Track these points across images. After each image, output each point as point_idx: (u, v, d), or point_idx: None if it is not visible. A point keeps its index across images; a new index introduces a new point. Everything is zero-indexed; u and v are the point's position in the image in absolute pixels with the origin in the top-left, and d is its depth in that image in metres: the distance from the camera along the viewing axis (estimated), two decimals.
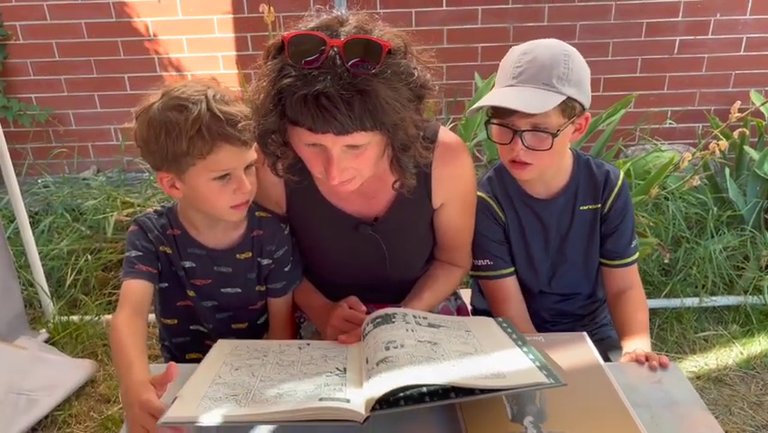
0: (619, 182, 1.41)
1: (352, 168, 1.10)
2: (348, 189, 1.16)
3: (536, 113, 1.20)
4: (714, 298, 2.53)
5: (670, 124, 3.39)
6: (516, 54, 1.26)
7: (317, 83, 0.96)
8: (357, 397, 0.94)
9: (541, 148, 1.24)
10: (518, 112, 1.20)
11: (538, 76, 1.21)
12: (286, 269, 1.37)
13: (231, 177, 1.20)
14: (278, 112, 1.03)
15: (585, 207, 1.41)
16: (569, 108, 1.23)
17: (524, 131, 1.24)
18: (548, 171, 1.35)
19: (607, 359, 1.36)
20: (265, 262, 1.35)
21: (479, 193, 1.41)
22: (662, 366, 1.16)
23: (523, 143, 1.25)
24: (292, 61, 0.99)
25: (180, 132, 1.13)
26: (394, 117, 1.02)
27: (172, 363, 0.97)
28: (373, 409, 0.90)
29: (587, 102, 1.27)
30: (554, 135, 1.23)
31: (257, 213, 1.34)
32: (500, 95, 1.24)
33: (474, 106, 1.29)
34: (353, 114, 0.98)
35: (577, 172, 1.40)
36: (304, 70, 0.98)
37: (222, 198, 1.21)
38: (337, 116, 0.98)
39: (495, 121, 1.28)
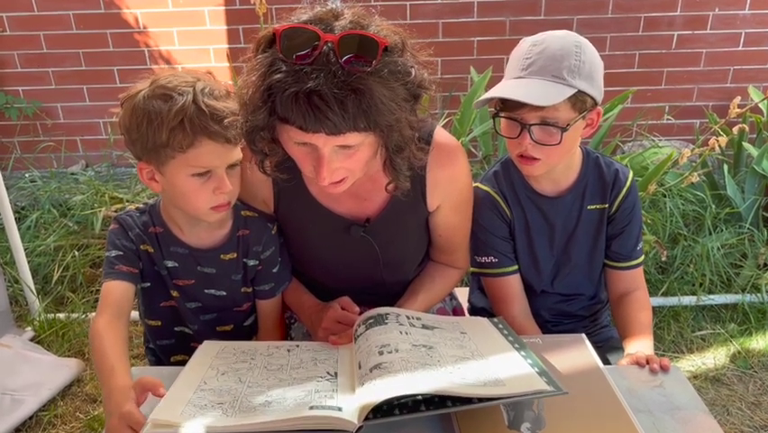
0: (628, 182, 1.37)
1: (344, 168, 1.05)
2: (338, 191, 1.12)
3: (545, 105, 1.16)
4: (711, 296, 2.51)
5: (668, 119, 3.36)
6: (527, 45, 1.22)
7: (309, 80, 0.92)
8: (349, 404, 0.90)
9: (550, 143, 1.21)
10: (527, 105, 1.16)
11: (548, 67, 1.17)
12: (274, 270, 1.33)
13: (211, 175, 1.15)
14: (268, 108, 0.98)
15: (593, 207, 1.37)
16: (579, 102, 1.20)
17: (532, 125, 1.20)
18: (557, 168, 1.31)
19: (606, 361, 1.33)
20: (251, 263, 1.30)
21: (484, 188, 1.38)
22: (663, 369, 1.13)
23: (531, 138, 1.21)
24: (283, 56, 0.94)
25: (162, 122, 1.09)
26: (389, 118, 0.98)
27: (162, 386, 0.93)
28: (366, 417, 0.86)
29: (599, 96, 1.23)
30: (564, 130, 1.19)
31: (243, 212, 1.29)
32: (508, 87, 1.21)
33: (481, 98, 1.25)
34: (347, 114, 0.94)
35: (586, 170, 1.37)
36: (295, 66, 0.93)
37: (200, 196, 1.16)
38: (329, 116, 0.93)
39: (503, 114, 1.24)
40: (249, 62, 1.01)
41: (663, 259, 2.50)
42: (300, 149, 1.03)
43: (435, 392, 0.88)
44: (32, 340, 2.32)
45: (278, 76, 0.94)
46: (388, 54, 0.97)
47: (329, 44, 0.93)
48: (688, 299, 2.49)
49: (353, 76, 0.93)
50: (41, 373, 2.10)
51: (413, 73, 1.00)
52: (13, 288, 2.53)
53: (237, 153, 1.16)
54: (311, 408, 0.89)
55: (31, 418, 1.98)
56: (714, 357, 2.26)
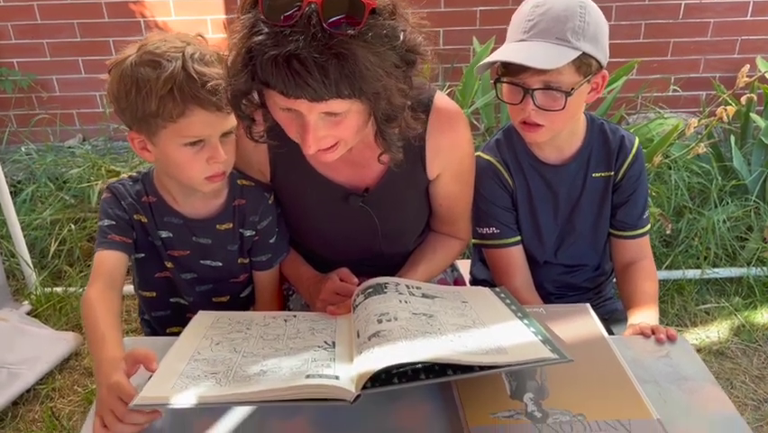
0: (634, 149, 1.34)
1: (332, 136, 1.01)
2: (329, 159, 1.07)
3: (548, 69, 1.12)
4: (716, 269, 2.48)
5: (674, 91, 3.30)
6: (529, 6, 1.17)
7: (289, 43, 0.87)
8: (347, 373, 0.88)
9: (553, 108, 1.17)
10: (529, 69, 1.12)
11: (551, 29, 1.13)
12: (271, 241, 1.30)
13: (205, 144, 1.11)
14: (249, 72, 0.93)
15: (598, 175, 1.34)
16: (584, 65, 1.15)
17: (535, 89, 1.16)
18: (561, 134, 1.28)
19: (610, 334, 1.30)
20: (248, 233, 1.27)
21: (486, 157, 1.34)
22: (670, 339, 1.11)
23: (534, 103, 1.17)
24: (265, 17, 0.89)
25: (151, 90, 1.05)
26: (375, 85, 0.92)
27: (154, 360, 0.90)
28: (364, 387, 0.84)
29: (604, 59, 1.18)
30: (568, 94, 1.15)
31: (239, 181, 1.25)
32: (510, 50, 1.16)
33: (483, 62, 1.21)
34: (328, 80, 0.89)
35: (590, 137, 1.33)
36: (276, 28, 0.88)
37: (194, 166, 1.12)
38: (309, 82, 0.88)
39: (505, 79, 1.20)
40: (233, 23, 0.96)
41: (668, 232, 2.47)
42: (286, 114, 0.99)
43: (436, 360, 0.85)
44: (29, 314, 2.31)
45: (259, 38, 0.89)
46: (376, 17, 0.91)
47: (312, 5, 0.88)
48: (692, 273, 2.46)
49: (335, 39, 0.88)
50: (39, 347, 2.09)
51: (402, 37, 0.94)
52: (10, 262, 2.51)
53: (231, 121, 1.12)
54: (307, 376, 0.86)
55: (28, 391, 1.97)
56: (718, 331, 2.24)
